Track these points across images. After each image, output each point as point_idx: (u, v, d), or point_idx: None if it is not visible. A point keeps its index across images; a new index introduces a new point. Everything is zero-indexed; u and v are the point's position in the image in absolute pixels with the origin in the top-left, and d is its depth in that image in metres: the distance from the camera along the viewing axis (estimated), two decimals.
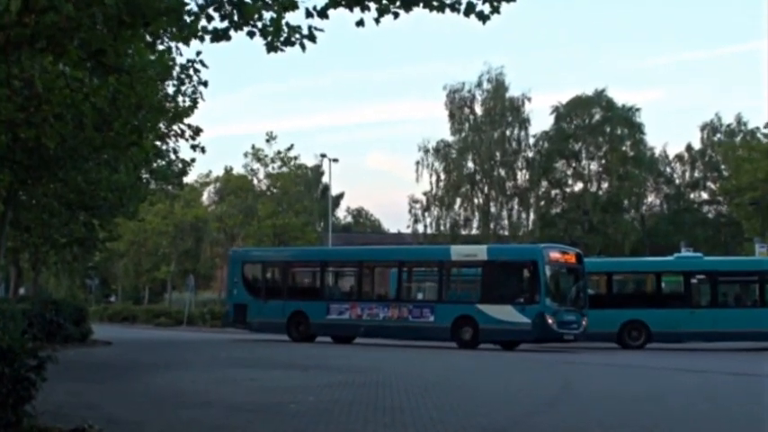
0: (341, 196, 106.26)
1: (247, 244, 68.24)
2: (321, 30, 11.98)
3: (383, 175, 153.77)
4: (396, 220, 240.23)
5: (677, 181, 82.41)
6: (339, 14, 11.73)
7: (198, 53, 15.86)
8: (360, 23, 11.83)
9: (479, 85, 74.66)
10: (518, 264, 35.71)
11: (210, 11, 11.95)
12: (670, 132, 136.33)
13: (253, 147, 69.33)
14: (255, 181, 71.56)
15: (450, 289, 38.02)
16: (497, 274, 35.52)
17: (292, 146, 70.01)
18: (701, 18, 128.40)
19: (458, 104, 75.27)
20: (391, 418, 13.20)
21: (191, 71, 21.94)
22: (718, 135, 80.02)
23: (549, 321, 33.53)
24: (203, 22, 12.17)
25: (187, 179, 39.65)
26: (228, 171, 75.95)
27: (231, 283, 42.18)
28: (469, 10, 11.66)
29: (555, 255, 35.37)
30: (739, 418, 14.19)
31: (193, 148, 26.22)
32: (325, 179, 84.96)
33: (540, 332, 33.74)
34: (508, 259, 36.22)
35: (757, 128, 64.11)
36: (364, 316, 37.83)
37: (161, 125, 25.90)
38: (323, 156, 68.99)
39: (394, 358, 29.35)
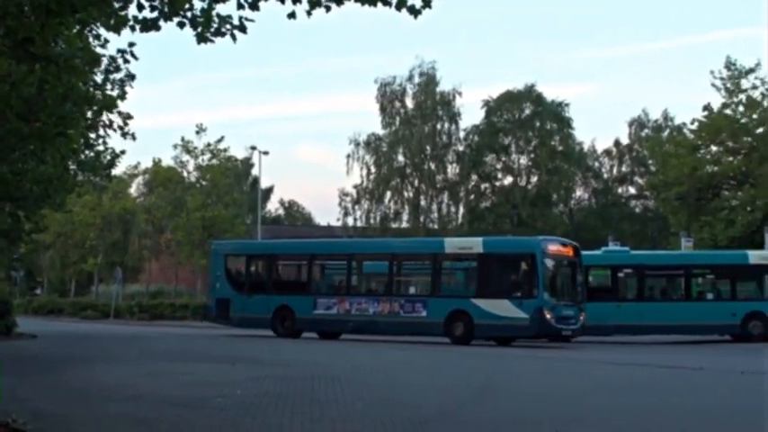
0: (271, 189, 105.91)
1: (176, 236, 68.00)
2: (252, 21, 11.93)
3: (314, 167, 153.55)
4: (327, 212, 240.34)
5: (605, 175, 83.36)
6: (270, 6, 11.68)
7: (131, 44, 15.65)
8: (291, 15, 11.78)
9: (410, 78, 74.86)
10: (515, 256, 34.38)
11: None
12: (598, 127, 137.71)
13: (182, 138, 69.05)
14: (185, 173, 71.21)
15: (443, 283, 36.83)
16: (493, 268, 34.39)
17: (222, 138, 69.76)
18: (629, 13, 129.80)
19: (389, 98, 75.35)
20: (320, 412, 13.16)
21: (120, 61, 21.76)
22: (646, 130, 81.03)
23: (548, 316, 32.34)
24: (134, 11, 12.05)
25: (115, 171, 39.18)
26: (157, 163, 75.44)
27: (213, 276, 40.67)
28: (401, 4, 11.66)
29: (553, 247, 34.10)
30: (667, 412, 14.31)
31: (124, 135, 25.93)
32: (255, 171, 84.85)
33: (538, 327, 32.65)
34: (505, 252, 35.03)
35: (684, 123, 64.79)
36: (353, 311, 36.44)
37: (88, 115, 25.56)
38: (253, 148, 68.61)
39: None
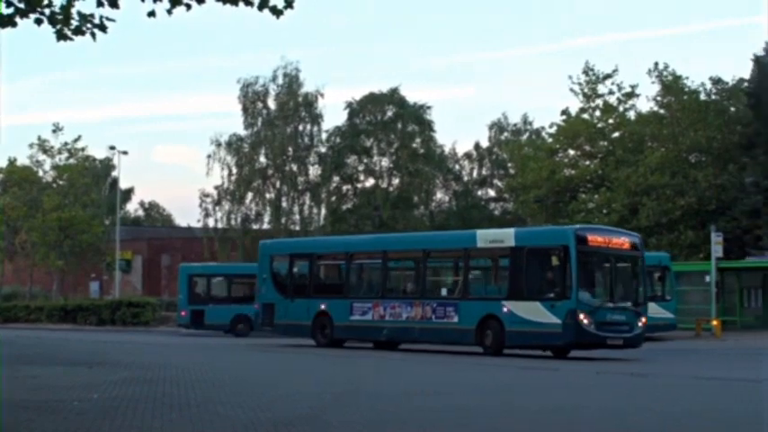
0: (131, 190, 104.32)
1: (31, 237, 66.69)
2: (113, 20, 11.77)
3: (175, 168, 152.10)
4: (187, 213, 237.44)
5: (465, 178, 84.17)
6: (131, 4, 11.55)
7: None
8: (151, 14, 11.67)
9: (274, 79, 74.53)
10: (546, 250, 28.85)
11: None
12: (459, 130, 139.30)
13: (38, 138, 67.95)
14: (41, 172, 70.00)
15: (475, 283, 32.71)
16: (525, 264, 29.05)
17: (80, 137, 68.94)
18: (491, 19, 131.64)
19: (251, 99, 74.91)
20: (178, 414, 13.06)
21: None
22: (505, 134, 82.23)
23: (585, 321, 27.06)
24: None
25: None
26: (12, 162, 73.93)
27: (260, 280, 36.95)
28: (263, 4, 11.66)
29: (593, 238, 28.69)
30: (522, 412, 14.55)
31: None
32: (115, 173, 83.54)
33: (573, 334, 27.27)
34: (536, 245, 29.42)
35: (542, 127, 66.24)
36: (387, 316, 32.13)
37: None
38: (112, 148, 67.41)
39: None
